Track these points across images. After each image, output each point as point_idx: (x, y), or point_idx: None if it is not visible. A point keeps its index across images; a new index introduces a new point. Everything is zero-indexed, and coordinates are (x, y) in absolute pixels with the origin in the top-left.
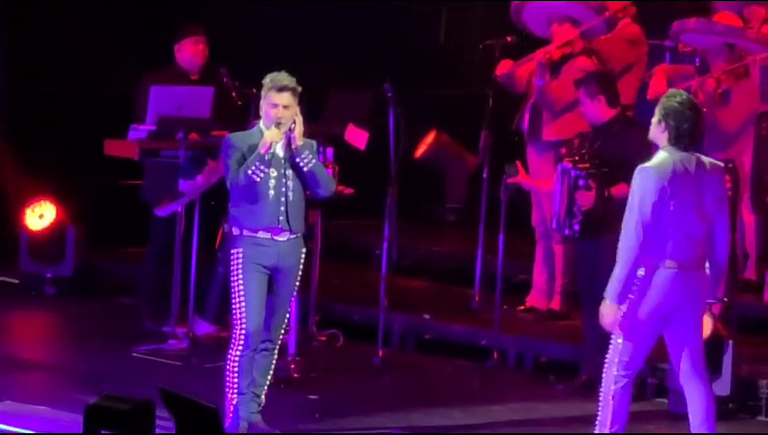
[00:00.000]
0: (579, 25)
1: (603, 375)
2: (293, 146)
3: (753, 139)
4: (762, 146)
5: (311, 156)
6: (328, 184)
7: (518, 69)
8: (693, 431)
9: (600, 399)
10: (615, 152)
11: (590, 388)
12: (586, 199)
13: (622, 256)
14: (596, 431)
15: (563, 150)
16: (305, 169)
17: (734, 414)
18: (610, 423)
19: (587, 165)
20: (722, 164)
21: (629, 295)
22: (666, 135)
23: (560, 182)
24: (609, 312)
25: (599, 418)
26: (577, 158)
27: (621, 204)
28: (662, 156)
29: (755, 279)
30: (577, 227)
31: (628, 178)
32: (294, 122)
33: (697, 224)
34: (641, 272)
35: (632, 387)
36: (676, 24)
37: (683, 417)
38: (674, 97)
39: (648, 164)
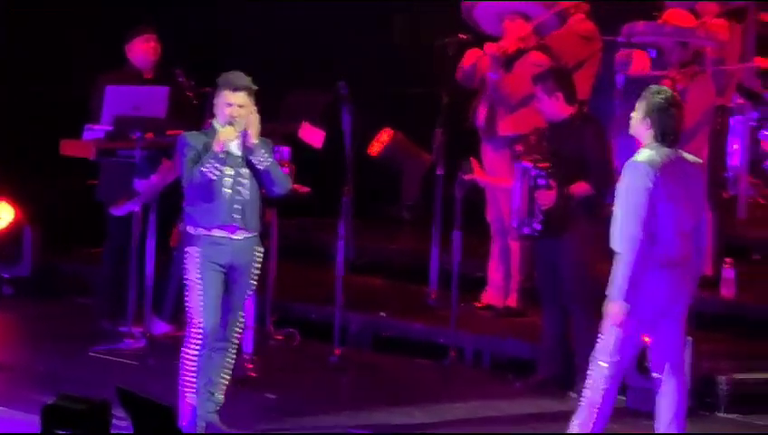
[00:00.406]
0: (530, 21)
1: (590, 374)
2: (249, 144)
3: (708, 134)
4: (716, 141)
5: (266, 154)
6: (283, 183)
7: (479, 62)
8: (661, 428)
9: (586, 396)
10: (573, 150)
11: (548, 385)
12: (547, 199)
13: (626, 254)
14: (575, 431)
15: (519, 147)
16: (260, 167)
17: (693, 411)
18: (594, 424)
19: (547, 164)
20: (701, 160)
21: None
22: (651, 132)
23: (519, 181)
24: (617, 311)
25: (580, 415)
26: (537, 156)
27: (581, 202)
28: (649, 152)
29: (712, 275)
30: (538, 227)
31: (586, 176)
32: (250, 121)
33: (686, 220)
34: None
35: (618, 378)
36: (626, 27)
37: (642, 414)
38: (658, 94)
39: (639, 159)
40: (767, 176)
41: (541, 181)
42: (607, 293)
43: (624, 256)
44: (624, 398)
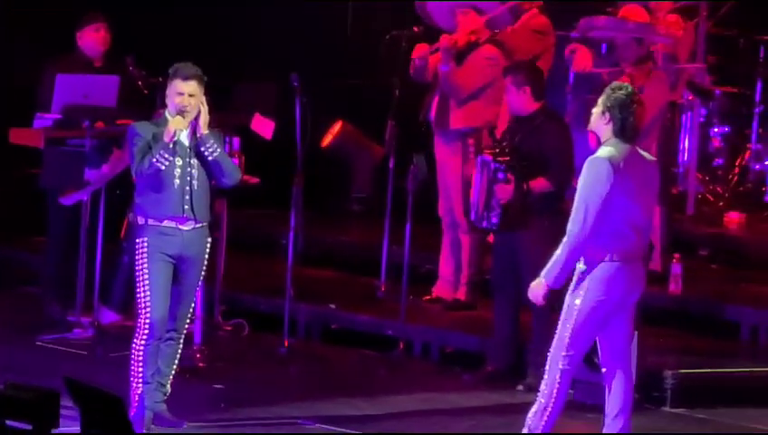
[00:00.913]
0: (483, 14)
1: (547, 369)
2: (198, 135)
3: (659, 130)
4: (667, 137)
5: (215, 145)
6: (233, 173)
7: (431, 56)
8: (608, 421)
9: (543, 391)
10: (535, 146)
11: (496, 378)
12: (504, 192)
13: (570, 243)
14: (528, 422)
15: (471, 141)
16: (210, 157)
17: (640, 405)
18: (549, 415)
19: (507, 158)
20: (654, 158)
21: (580, 291)
22: (610, 127)
23: (479, 174)
24: (540, 290)
25: (536, 410)
26: (497, 150)
27: (540, 198)
28: (609, 149)
29: (660, 270)
30: (495, 220)
31: (546, 172)
32: (200, 111)
33: (641, 216)
34: (582, 266)
35: (572, 374)
36: (584, 21)
37: (590, 408)
38: (619, 89)
39: (599, 155)
40: (716, 172)
41: (500, 175)
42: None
43: (568, 244)
44: (572, 391)
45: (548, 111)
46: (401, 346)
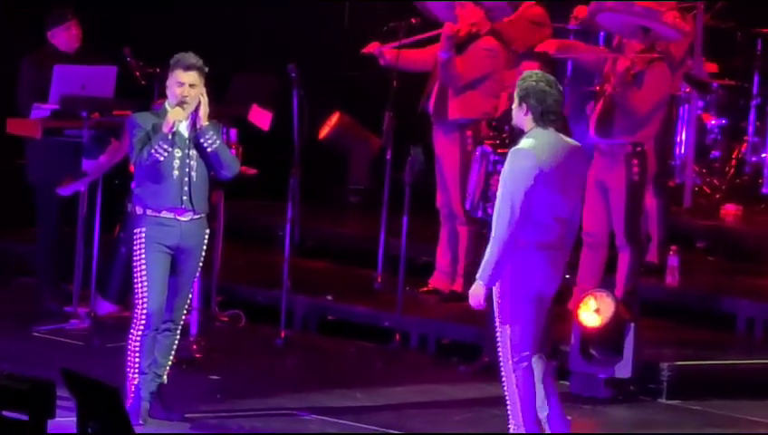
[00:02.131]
0: (482, 6)
1: (502, 369)
2: (198, 126)
3: (660, 122)
4: (665, 130)
5: (215, 136)
6: (231, 165)
7: (417, 50)
8: (539, 405)
9: (507, 393)
10: None
11: (492, 370)
12: None
13: (499, 238)
14: (511, 427)
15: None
16: (209, 149)
17: (636, 396)
18: (522, 412)
19: (506, 150)
20: (579, 144)
21: (504, 286)
22: (529, 116)
23: (478, 164)
24: (480, 292)
25: (510, 411)
26: (497, 141)
27: None
28: (531, 139)
29: (657, 262)
30: (491, 211)
31: None
32: (200, 102)
33: (564, 205)
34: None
35: (532, 369)
36: (593, 4)
37: (585, 399)
38: (530, 77)
39: (522, 146)
40: (713, 164)
41: (499, 167)
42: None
43: (497, 241)
44: (567, 383)
45: None
46: (398, 338)
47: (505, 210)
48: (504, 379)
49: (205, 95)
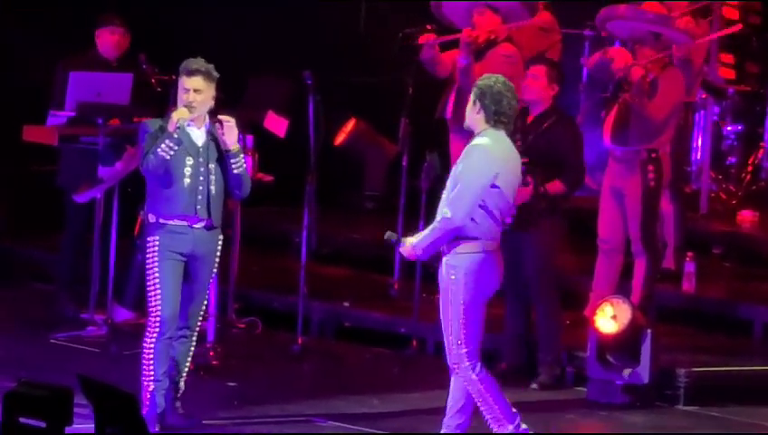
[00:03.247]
0: (499, 14)
1: (456, 372)
2: (225, 149)
3: (675, 128)
4: (679, 135)
5: (242, 161)
6: (248, 187)
7: (442, 54)
8: (446, 419)
9: (474, 396)
10: (547, 147)
11: (509, 376)
12: (522, 195)
13: (446, 225)
14: (494, 427)
15: None
16: (235, 171)
17: (653, 403)
18: (496, 404)
19: (526, 159)
20: (520, 157)
21: (458, 286)
22: (481, 116)
23: None
24: (410, 253)
25: (487, 412)
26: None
27: (552, 199)
28: (485, 139)
29: (674, 268)
30: (509, 221)
31: (560, 175)
32: (221, 123)
33: (510, 207)
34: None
35: (485, 366)
36: (604, 11)
37: (602, 406)
38: (489, 78)
39: (483, 144)
40: (729, 170)
41: None
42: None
43: (443, 225)
44: (584, 389)
45: (559, 111)
46: (414, 344)
47: (461, 203)
48: (466, 383)
49: (232, 120)
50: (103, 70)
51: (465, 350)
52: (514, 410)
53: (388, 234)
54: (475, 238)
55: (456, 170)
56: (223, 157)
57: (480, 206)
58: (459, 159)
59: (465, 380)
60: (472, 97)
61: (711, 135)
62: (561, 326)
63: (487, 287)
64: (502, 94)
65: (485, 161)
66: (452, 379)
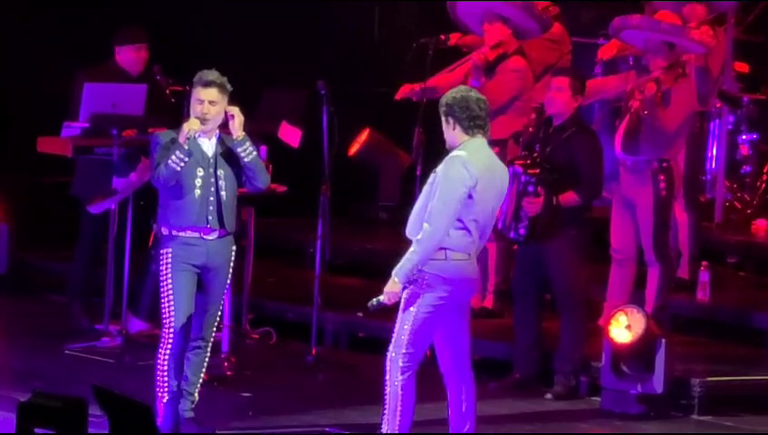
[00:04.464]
0: (509, 24)
1: (388, 365)
2: (234, 136)
3: (687, 138)
4: (694, 144)
5: (251, 147)
6: (265, 176)
7: (449, 74)
8: (452, 429)
9: (387, 392)
10: (566, 157)
11: (523, 386)
12: (534, 207)
13: (428, 244)
14: (384, 427)
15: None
16: (246, 159)
17: (667, 413)
18: (400, 414)
19: (537, 170)
20: (504, 165)
21: (415, 289)
22: (458, 129)
23: (510, 184)
24: (396, 290)
25: (386, 411)
26: (528, 161)
27: (567, 210)
28: (463, 152)
29: (688, 278)
30: (522, 232)
31: (576, 186)
32: (232, 115)
33: (490, 217)
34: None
35: (415, 378)
36: (617, 21)
37: (616, 415)
38: (449, 93)
39: (460, 154)
40: (744, 180)
41: (530, 188)
42: (393, 272)
43: (423, 244)
44: (599, 399)
45: (580, 122)
46: (428, 354)
47: (439, 216)
48: (387, 381)
49: (236, 109)
50: (122, 82)
51: (404, 351)
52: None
53: (369, 304)
54: (443, 249)
55: (432, 180)
56: (234, 161)
57: (457, 215)
58: (437, 169)
59: (389, 375)
60: (442, 118)
61: (726, 144)
62: (584, 339)
63: (451, 297)
64: (466, 100)
65: (461, 174)
66: (447, 388)
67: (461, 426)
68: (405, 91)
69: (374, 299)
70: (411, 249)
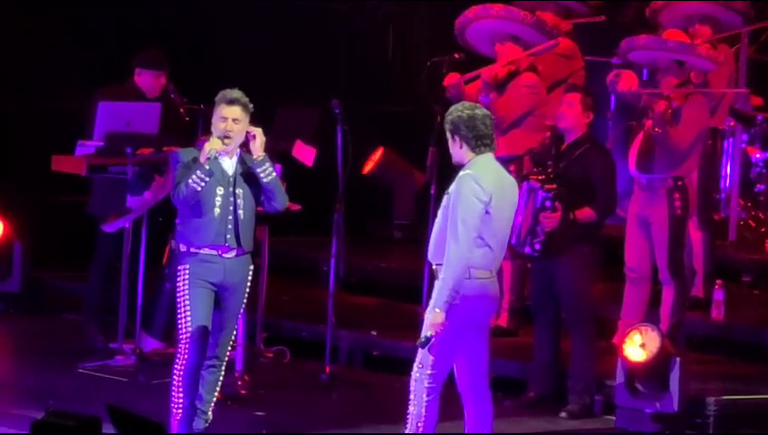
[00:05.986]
0: (521, 43)
1: (413, 386)
2: (255, 156)
3: (700, 155)
4: (707, 162)
5: (271, 168)
6: (284, 197)
7: (466, 86)
8: None
9: (410, 412)
10: (580, 174)
11: (538, 404)
12: (551, 222)
13: (455, 265)
14: (407, 428)
15: (512, 168)
16: (266, 180)
17: (682, 432)
18: (423, 427)
19: (554, 186)
20: (515, 181)
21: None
22: (465, 148)
23: (524, 200)
24: (440, 320)
25: (407, 428)
26: (544, 177)
27: (582, 226)
28: (474, 168)
29: (703, 296)
30: (538, 247)
31: (592, 202)
32: (253, 135)
33: (505, 233)
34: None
35: (439, 399)
36: (625, 42)
37: (630, 434)
38: (455, 110)
39: (472, 172)
40: (758, 198)
41: (547, 203)
42: (432, 303)
43: (452, 268)
44: (613, 418)
45: (593, 138)
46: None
47: (460, 236)
48: (413, 397)
49: (259, 129)
50: (138, 101)
51: (429, 372)
52: None
53: (418, 342)
54: (468, 267)
55: (447, 203)
56: (253, 181)
57: (477, 232)
58: (450, 189)
59: (414, 395)
60: (448, 135)
61: (740, 162)
62: (595, 356)
63: (474, 315)
64: (473, 118)
65: (477, 191)
66: (473, 407)
67: None
68: (454, 79)
69: (422, 336)
70: (441, 276)
